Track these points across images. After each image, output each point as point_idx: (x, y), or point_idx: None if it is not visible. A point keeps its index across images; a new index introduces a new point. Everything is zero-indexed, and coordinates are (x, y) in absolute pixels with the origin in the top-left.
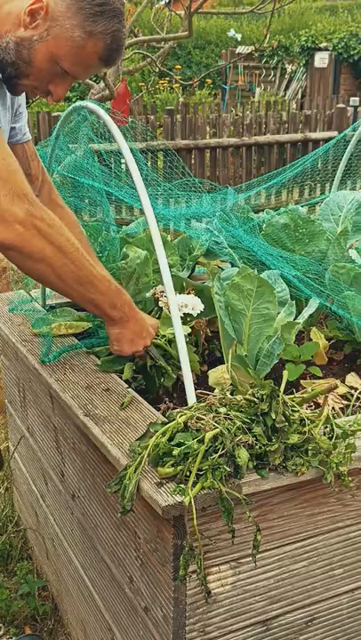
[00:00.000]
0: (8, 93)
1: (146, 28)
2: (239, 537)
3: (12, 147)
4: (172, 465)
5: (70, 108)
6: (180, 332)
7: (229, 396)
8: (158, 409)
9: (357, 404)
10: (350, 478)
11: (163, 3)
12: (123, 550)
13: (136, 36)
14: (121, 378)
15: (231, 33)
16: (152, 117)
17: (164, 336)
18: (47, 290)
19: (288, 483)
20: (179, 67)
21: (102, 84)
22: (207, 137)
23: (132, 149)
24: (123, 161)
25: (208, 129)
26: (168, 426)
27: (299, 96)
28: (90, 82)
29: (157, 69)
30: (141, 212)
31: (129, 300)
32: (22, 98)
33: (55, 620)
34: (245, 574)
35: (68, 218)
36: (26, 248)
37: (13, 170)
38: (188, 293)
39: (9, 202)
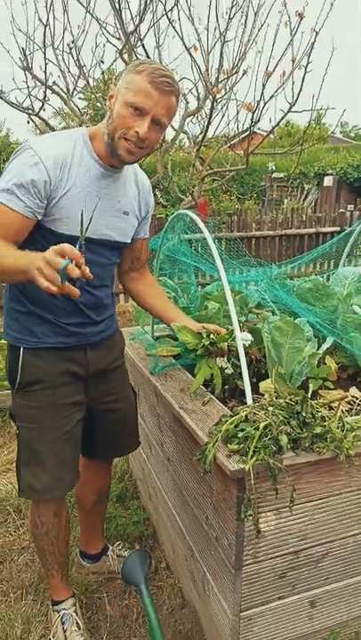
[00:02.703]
0: (122, 192)
1: (216, 162)
2: (280, 494)
3: (134, 241)
4: (237, 443)
5: (175, 215)
6: (243, 355)
7: (274, 399)
8: (227, 406)
9: (359, 408)
10: (356, 458)
11: (227, 147)
12: (201, 498)
13: (211, 168)
14: (204, 386)
15: (269, 165)
16: (218, 218)
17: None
18: (155, 325)
19: (313, 459)
20: (235, 186)
21: (190, 198)
22: (253, 230)
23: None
24: (199, 244)
25: (254, 225)
26: (234, 417)
27: (313, 204)
28: (182, 196)
29: (224, 188)
30: (211, 277)
31: (30, 257)
32: (151, 207)
33: (154, 541)
34: (284, 519)
35: (153, 280)
36: None
37: None
38: (243, 331)
39: None
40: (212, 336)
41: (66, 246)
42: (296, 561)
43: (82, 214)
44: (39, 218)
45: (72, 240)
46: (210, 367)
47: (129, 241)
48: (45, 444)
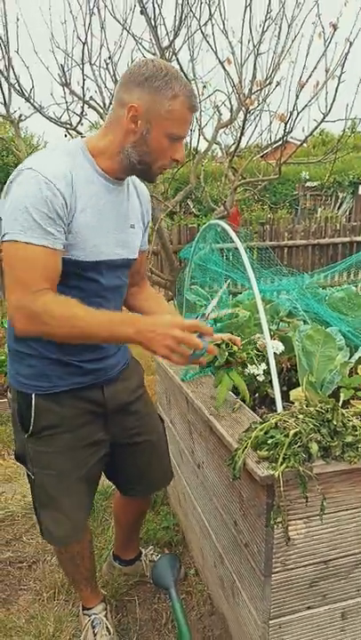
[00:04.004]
0: (127, 204)
1: (249, 172)
2: (310, 502)
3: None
4: (267, 450)
5: (207, 225)
6: (273, 362)
7: (305, 407)
8: (257, 413)
9: None
10: None
11: (259, 156)
12: (231, 504)
13: (244, 178)
14: (233, 393)
15: (303, 174)
16: (250, 227)
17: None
18: None
19: (344, 468)
20: (267, 195)
21: (222, 208)
22: (285, 240)
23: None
24: (231, 253)
25: (286, 234)
26: (264, 424)
27: (347, 213)
28: (214, 206)
29: (256, 198)
30: (242, 285)
31: (138, 325)
32: (150, 215)
33: (183, 546)
34: (313, 528)
35: (153, 292)
36: (32, 332)
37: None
38: (273, 339)
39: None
40: (233, 347)
41: (201, 326)
42: (326, 571)
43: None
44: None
45: (89, 267)
46: (231, 378)
47: (137, 256)
48: (65, 490)
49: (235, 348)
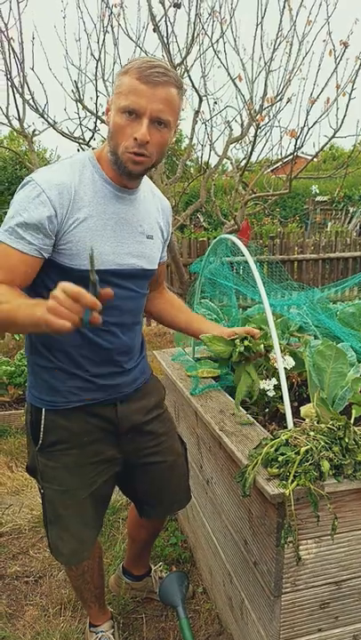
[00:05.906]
0: (142, 214)
1: (259, 186)
2: (321, 521)
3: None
4: (277, 467)
5: (217, 239)
6: (284, 377)
7: (316, 424)
8: (267, 429)
9: None
10: None
11: (269, 171)
12: (240, 522)
13: (254, 193)
14: (243, 407)
15: (313, 188)
16: (261, 241)
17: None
18: (196, 347)
19: (356, 487)
20: (278, 210)
21: (232, 221)
22: (295, 254)
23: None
24: (241, 267)
25: (296, 249)
26: (275, 441)
27: (358, 227)
28: (224, 220)
29: (266, 212)
30: (252, 300)
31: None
32: (171, 228)
33: (191, 564)
34: (325, 548)
35: (171, 296)
36: None
37: None
38: (284, 354)
39: None
40: (247, 341)
41: (83, 294)
42: (338, 592)
43: (91, 253)
44: (46, 256)
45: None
46: (249, 374)
47: (157, 267)
48: (71, 507)
49: (247, 341)
